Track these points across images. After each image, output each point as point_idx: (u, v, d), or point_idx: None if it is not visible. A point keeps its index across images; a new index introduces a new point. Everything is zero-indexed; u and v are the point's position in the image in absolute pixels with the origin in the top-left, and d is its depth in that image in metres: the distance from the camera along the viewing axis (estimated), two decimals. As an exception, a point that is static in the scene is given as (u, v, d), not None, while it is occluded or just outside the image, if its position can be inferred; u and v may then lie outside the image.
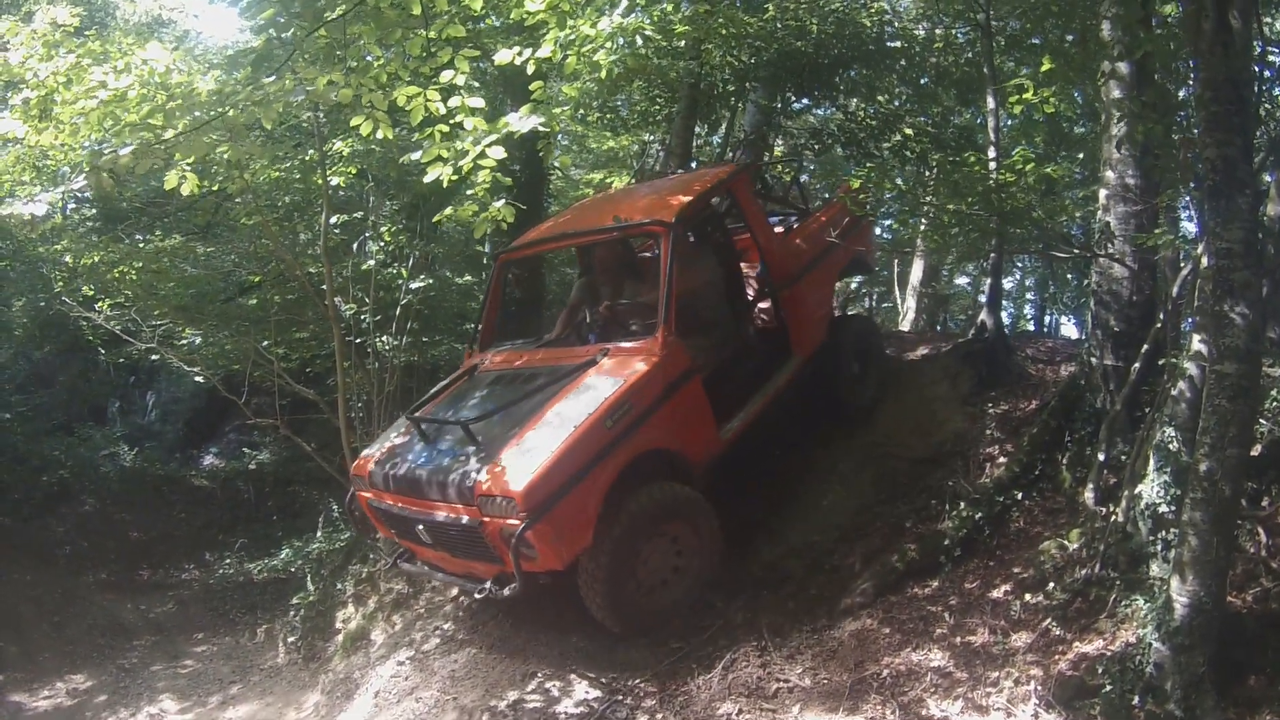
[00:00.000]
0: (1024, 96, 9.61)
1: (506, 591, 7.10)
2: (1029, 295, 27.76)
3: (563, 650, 7.42)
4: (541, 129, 7.69)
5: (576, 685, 6.92)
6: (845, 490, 8.77)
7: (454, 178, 7.39)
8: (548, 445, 6.95)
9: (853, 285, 24.16)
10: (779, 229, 10.20)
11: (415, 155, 7.41)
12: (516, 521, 6.70)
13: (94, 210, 17.29)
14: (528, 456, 6.93)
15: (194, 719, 9.39)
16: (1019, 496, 7.71)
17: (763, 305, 9.95)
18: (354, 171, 11.87)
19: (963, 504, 7.71)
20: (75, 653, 11.72)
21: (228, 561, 14.27)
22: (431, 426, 7.90)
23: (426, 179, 7.48)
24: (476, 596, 7.50)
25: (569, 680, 7.02)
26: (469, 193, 8.07)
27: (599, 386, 7.49)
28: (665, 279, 7.96)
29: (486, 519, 6.92)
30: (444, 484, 7.29)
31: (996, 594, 6.71)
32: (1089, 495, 7.12)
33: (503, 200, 7.85)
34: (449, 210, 8.23)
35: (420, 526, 7.63)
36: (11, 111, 8.50)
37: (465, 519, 7.15)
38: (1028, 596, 6.53)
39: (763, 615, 7.13)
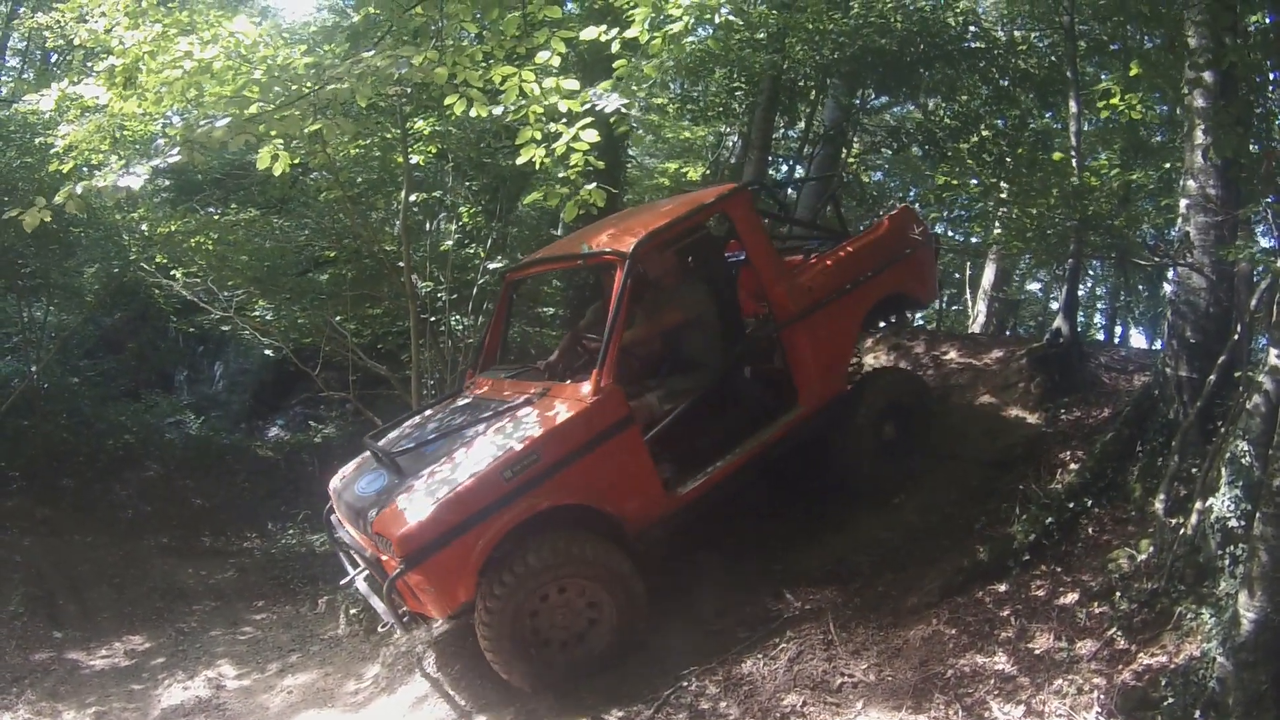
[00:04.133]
0: (1111, 101, 9.52)
1: (397, 630, 7.14)
2: (1100, 304, 27.48)
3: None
4: (624, 109, 7.67)
5: (640, 671, 6.98)
6: (916, 489, 8.68)
7: (546, 160, 7.41)
8: (439, 491, 6.78)
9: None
10: (801, 256, 9.22)
11: (497, 110, 7.39)
12: (396, 565, 6.66)
13: (168, 182, 17.47)
14: (419, 500, 6.79)
15: (252, 685, 9.40)
16: (1089, 504, 7.62)
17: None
18: (434, 151, 11.94)
19: (1033, 508, 7.65)
20: (134, 615, 11.82)
21: (290, 532, 14.32)
22: (384, 451, 7.67)
23: (519, 160, 7.51)
24: (380, 630, 7.51)
25: (632, 665, 7.09)
26: (561, 175, 8.07)
27: (515, 430, 7.18)
28: (611, 318, 7.39)
29: (383, 556, 6.94)
30: (361, 514, 7.25)
31: (1063, 601, 6.66)
32: (1159, 506, 7.04)
33: (594, 184, 7.84)
34: (537, 194, 8.24)
35: (352, 551, 7.68)
36: (96, 78, 8.58)
37: (368, 552, 7.21)
38: (1094, 605, 6.47)
39: (829, 609, 7.09)
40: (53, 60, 21.64)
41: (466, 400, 8.54)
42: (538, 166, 7.65)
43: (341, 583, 8.16)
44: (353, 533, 7.62)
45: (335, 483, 8.33)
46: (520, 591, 6.74)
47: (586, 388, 7.21)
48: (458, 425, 7.66)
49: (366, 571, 7.47)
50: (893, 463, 8.80)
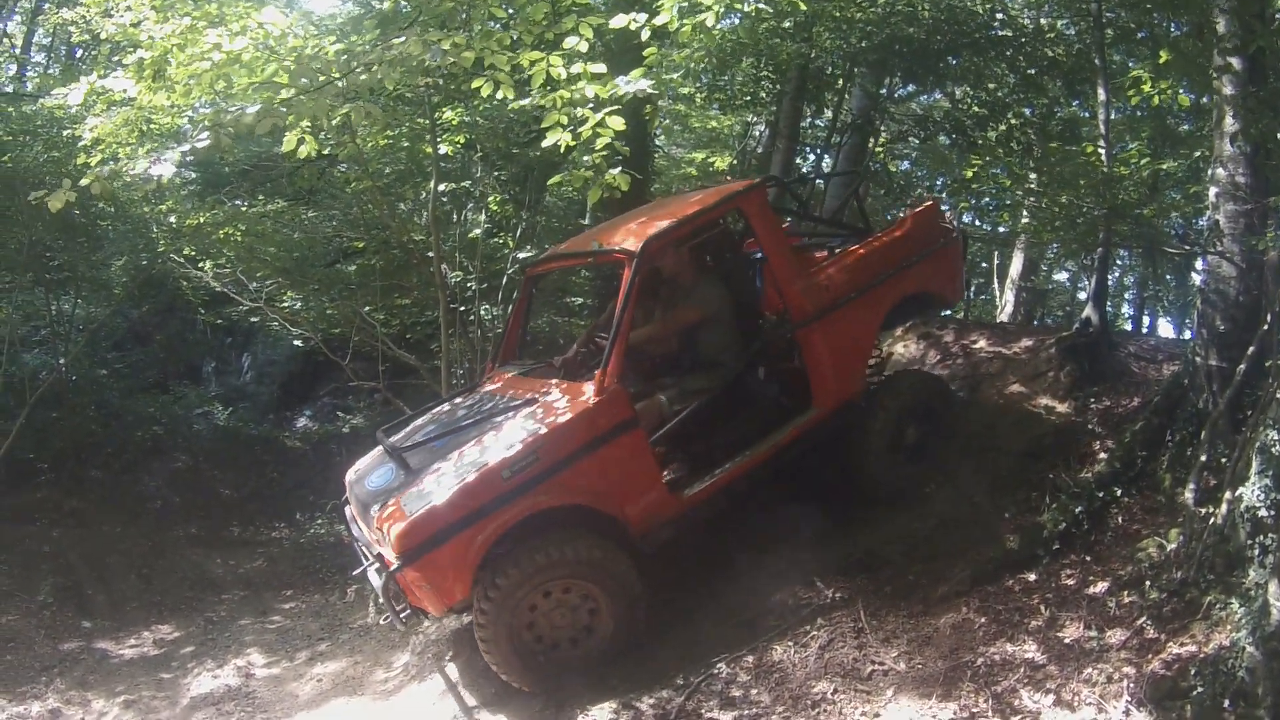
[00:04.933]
0: (1143, 88, 9.47)
1: (402, 621, 7.09)
2: (1128, 294, 27.39)
3: (658, 621, 7.47)
4: (651, 91, 7.65)
5: (670, 658, 7.00)
6: (945, 479, 8.59)
7: (572, 144, 7.42)
8: (439, 488, 6.77)
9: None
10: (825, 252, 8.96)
11: (524, 101, 7.39)
12: (393, 561, 6.67)
13: (195, 174, 17.55)
14: (419, 497, 6.80)
15: (281, 673, 9.48)
16: (1119, 493, 7.58)
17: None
18: (462, 141, 11.95)
19: (1063, 497, 7.62)
20: (163, 604, 11.91)
21: (319, 521, 14.32)
22: (393, 447, 7.66)
23: (545, 143, 7.51)
24: (381, 621, 7.51)
25: (663, 653, 7.11)
26: (585, 159, 8.06)
27: (518, 430, 7.10)
28: (617, 318, 7.31)
29: (384, 551, 6.94)
30: (368, 508, 7.31)
31: (1093, 590, 6.64)
32: (1189, 496, 6.99)
33: (619, 168, 7.83)
34: (559, 177, 8.23)
35: (360, 544, 7.70)
36: (125, 71, 8.61)
37: (374, 546, 7.23)
38: (1124, 594, 6.45)
39: (860, 598, 7.07)
40: (77, 55, 21.74)
41: (481, 395, 8.50)
42: (563, 150, 7.65)
43: (353, 574, 8.14)
44: (362, 526, 7.66)
45: (350, 475, 8.35)
46: (517, 591, 6.74)
47: (590, 388, 7.17)
48: (468, 421, 7.62)
49: (377, 564, 7.50)
50: (912, 466, 8.66)
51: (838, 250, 8.77)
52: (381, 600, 7.02)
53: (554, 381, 7.73)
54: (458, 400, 8.83)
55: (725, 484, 7.63)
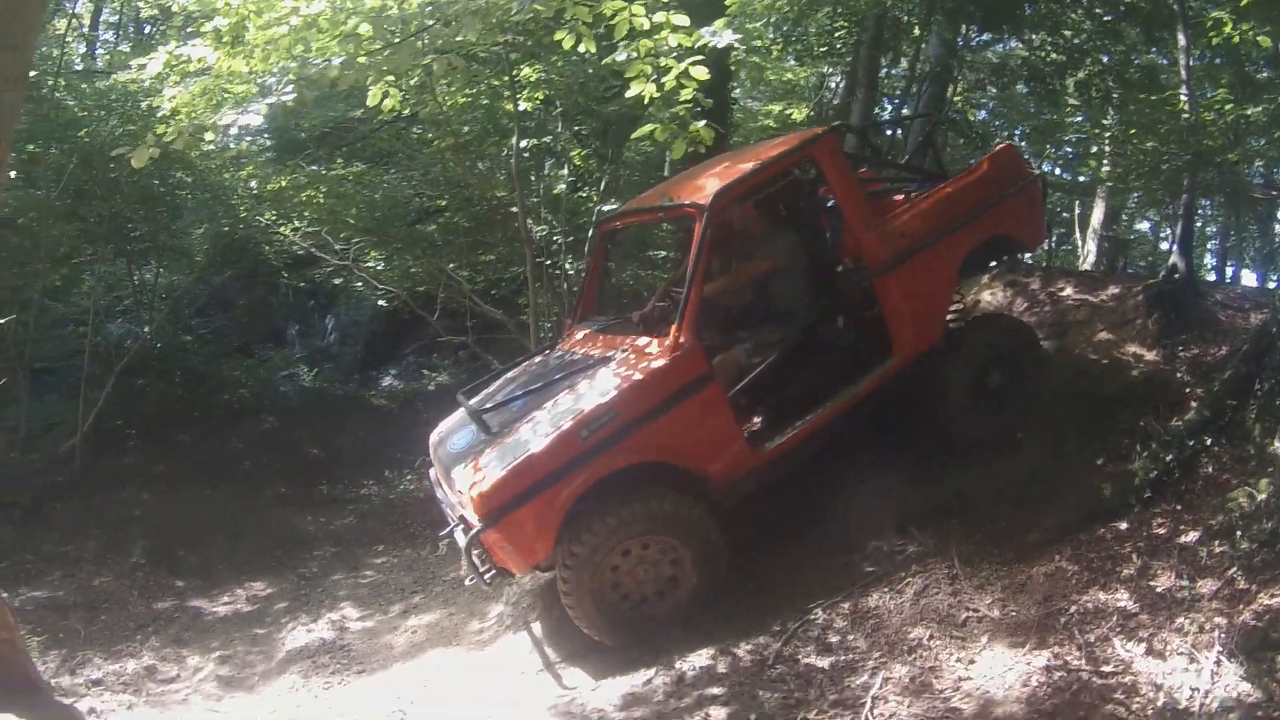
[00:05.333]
0: (1223, 30, 9.31)
1: (486, 582, 7.16)
2: (1210, 244, 27.01)
3: (755, 570, 7.55)
4: (737, 44, 7.63)
5: (768, 606, 7.05)
6: (1037, 424, 8.52)
7: (656, 95, 7.41)
8: (518, 449, 6.81)
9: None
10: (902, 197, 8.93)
11: (619, 58, 7.40)
12: (475, 523, 6.74)
13: (271, 141, 17.73)
14: (499, 458, 6.84)
15: (375, 626, 9.60)
16: (1208, 442, 7.44)
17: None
18: (541, 97, 11.99)
19: (1153, 446, 7.53)
20: (254, 562, 12.07)
21: (409, 477, 14.44)
22: (472, 408, 7.70)
23: (629, 94, 7.51)
24: (467, 582, 7.81)
25: (760, 601, 7.18)
26: (671, 110, 8.05)
27: (594, 389, 7.13)
28: (690, 271, 7.31)
29: (466, 513, 7.01)
30: (449, 470, 7.38)
31: (1184, 539, 6.57)
32: (1278, 445, 6.95)
33: (703, 121, 7.82)
34: (647, 128, 8.23)
35: (445, 506, 7.76)
36: (203, 39, 8.70)
37: (457, 508, 7.29)
38: (1214, 544, 6.36)
39: (954, 544, 7.05)
40: (146, 31, 21.94)
41: (560, 353, 8.53)
42: (646, 102, 7.64)
43: (440, 534, 8.20)
44: (445, 488, 7.72)
45: (434, 438, 8.41)
46: (599, 548, 6.80)
47: (665, 344, 7.17)
48: (546, 380, 7.63)
49: (461, 526, 7.54)
50: (994, 415, 8.49)
51: (914, 196, 8.68)
52: (464, 561, 7.09)
53: (631, 338, 7.72)
54: (537, 359, 8.89)
55: (805, 436, 7.59)
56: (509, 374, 8.83)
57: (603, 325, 8.51)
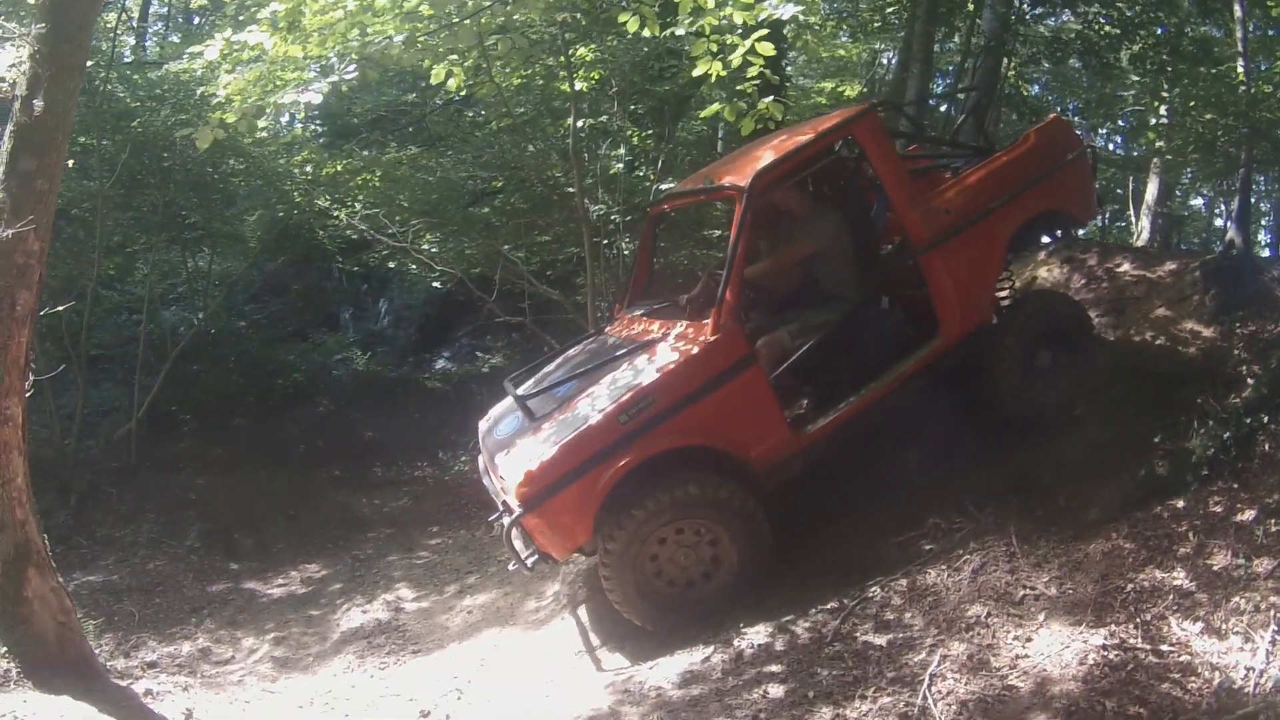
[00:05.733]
0: (1282, 0, 9.17)
1: (529, 567, 7.15)
2: (1265, 220, 26.73)
3: (813, 547, 7.55)
4: (801, 13, 7.59)
5: (826, 582, 7.02)
6: (1095, 402, 8.43)
7: (722, 73, 7.38)
8: (558, 435, 6.85)
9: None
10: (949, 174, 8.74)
11: (679, 31, 7.38)
12: (515, 508, 6.75)
13: (323, 127, 17.80)
14: (539, 444, 6.89)
15: (431, 606, 9.64)
16: (1265, 420, 7.35)
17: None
18: (597, 77, 11.99)
19: (1211, 423, 7.42)
20: (309, 544, 12.19)
21: (463, 459, 14.47)
22: (517, 395, 7.69)
23: (695, 73, 7.49)
24: (510, 568, 7.99)
25: (818, 577, 7.14)
26: (738, 88, 8.02)
27: (634, 373, 7.12)
28: (730, 254, 7.24)
29: (507, 499, 7.01)
30: (493, 456, 7.43)
31: (1240, 518, 6.46)
32: (1337, 424, 6.87)
33: (771, 97, 7.79)
34: (715, 107, 8.19)
35: (491, 493, 7.74)
36: (259, 25, 8.74)
37: (502, 494, 7.26)
38: (1270, 522, 6.26)
39: (1011, 521, 6.99)
40: (195, 22, 22.10)
41: (606, 338, 8.54)
42: (713, 79, 7.61)
43: (490, 519, 8.21)
44: (490, 474, 7.74)
45: (483, 425, 8.47)
46: (640, 533, 6.82)
47: (705, 328, 7.14)
48: (590, 366, 7.63)
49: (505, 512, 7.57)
50: (1047, 394, 8.30)
51: (960, 172, 8.55)
52: (505, 547, 7.13)
53: (676, 322, 7.68)
54: (585, 344, 8.90)
55: (850, 417, 7.53)
56: (556, 360, 8.86)
57: (649, 309, 8.48)
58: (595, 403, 6.96)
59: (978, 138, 9.67)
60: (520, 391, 7.82)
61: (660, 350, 7.27)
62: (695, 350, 7.07)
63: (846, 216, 8.25)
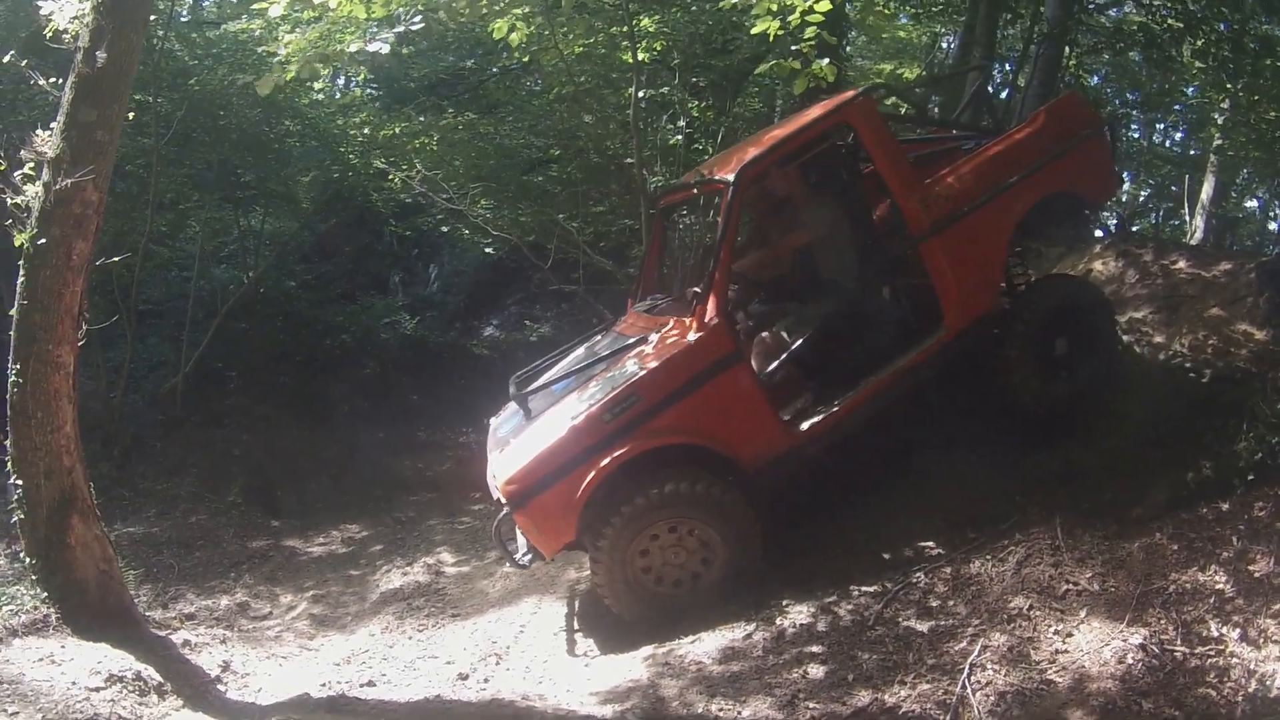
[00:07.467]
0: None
1: (524, 562, 7.32)
2: (1316, 223, 26.47)
3: (856, 537, 7.53)
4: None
5: (871, 566, 7.05)
6: (1146, 399, 8.35)
7: (780, 32, 7.37)
8: (546, 434, 6.89)
9: (1140, 198, 23.27)
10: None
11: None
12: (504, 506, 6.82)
13: (379, 91, 17.83)
14: (527, 444, 6.98)
15: (471, 571, 9.68)
16: (1315, 427, 7.36)
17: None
18: (659, 47, 11.97)
19: (1259, 427, 7.37)
20: (351, 505, 12.31)
21: (508, 427, 14.46)
22: (515, 392, 7.71)
23: (754, 31, 7.49)
24: (507, 567, 8.14)
25: (864, 561, 7.17)
26: (794, 48, 8.00)
27: (624, 370, 7.10)
28: (715, 248, 7.21)
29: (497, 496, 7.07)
30: (490, 453, 7.56)
31: (1284, 525, 6.49)
32: (1386, 434, 6.80)
33: (826, 59, 7.77)
34: (769, 64, 8.18)
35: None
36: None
37: (494, 492, 7.32)
38: (1314, 532, 6.30)
39: (1057, 514, 6.97)
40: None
41: (611, 334, 8.54)
42: (771, 39, 7.59)
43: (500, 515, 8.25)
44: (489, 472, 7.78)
45: (492, 421, 8.54)
46: (628, 531, 6.83)
47: (687, 326, 7.12)
48: (588, 363, 7.68)
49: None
50: (1067, 383, 8.06)
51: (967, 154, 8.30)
52: (495, 544, 7.28)
53: (663, 319, 7.64)
54: (591, 340, 8.90)
55: (846, 414, 7.42)
56: (563, 357, 8.84)
57: (653, 305, 8.46)
58: (584, 401, 7.00)
59: (988, 118, 9.48)
60: (521, 389, 7.85)
61: (651, 347, 7.27)
62: (679, 347, 7.04)
63: (844, 205, 8.18)
